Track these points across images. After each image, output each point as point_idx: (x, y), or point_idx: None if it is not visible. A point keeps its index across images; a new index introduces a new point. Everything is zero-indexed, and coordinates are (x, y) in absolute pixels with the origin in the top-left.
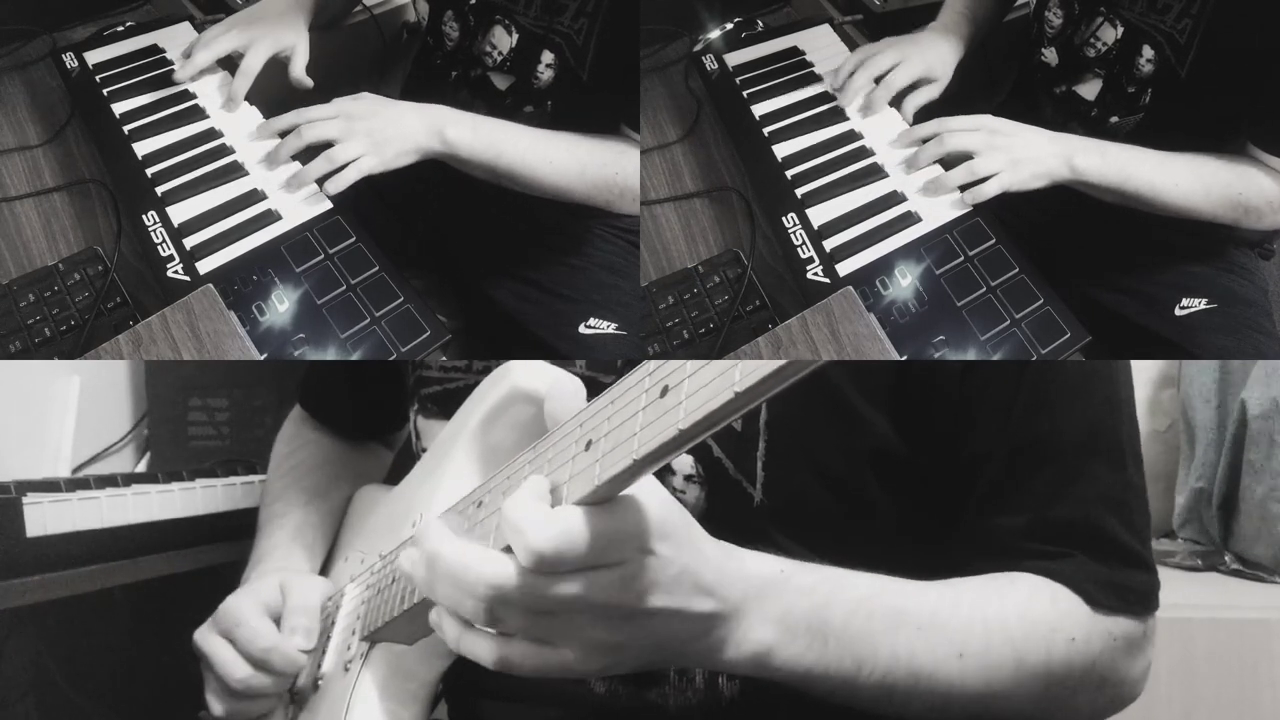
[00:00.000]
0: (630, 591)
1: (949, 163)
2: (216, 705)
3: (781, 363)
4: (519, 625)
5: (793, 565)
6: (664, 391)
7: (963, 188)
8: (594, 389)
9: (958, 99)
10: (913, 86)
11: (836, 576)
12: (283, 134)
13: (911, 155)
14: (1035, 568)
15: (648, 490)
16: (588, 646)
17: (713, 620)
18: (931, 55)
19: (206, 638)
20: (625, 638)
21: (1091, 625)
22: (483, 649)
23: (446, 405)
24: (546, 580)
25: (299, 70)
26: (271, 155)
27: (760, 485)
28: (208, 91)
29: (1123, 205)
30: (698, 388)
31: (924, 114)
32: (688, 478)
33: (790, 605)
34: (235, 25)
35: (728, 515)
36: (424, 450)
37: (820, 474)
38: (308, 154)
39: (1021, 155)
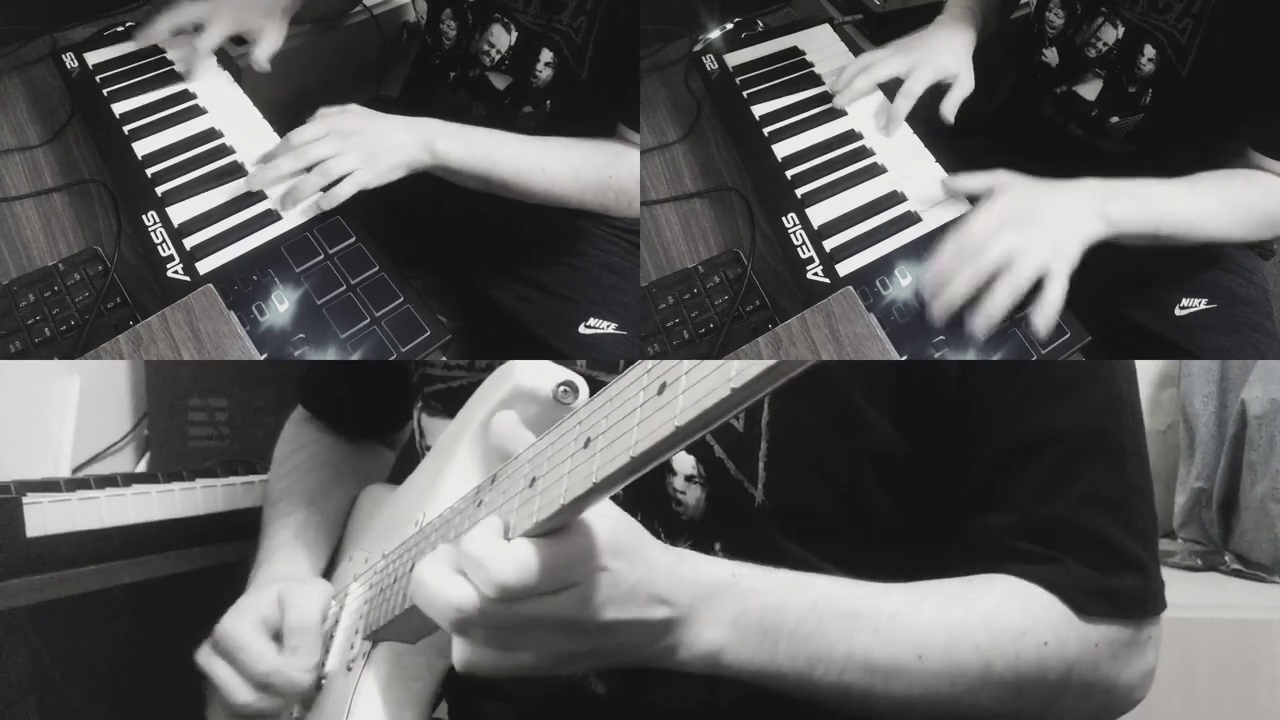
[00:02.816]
0: (587, 608)
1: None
2: None
3: (775, 361)
4: (483, 637)
5: (745, 569)
6: (661, 389)
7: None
8: (595, 389)
9: None
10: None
11: (791, 579)
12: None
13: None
14: (1020, 570)
15: (596, 511)
16: (546, 653)
17: (667, 625)
18: (942, 54)
19: (209, 660)
20: (582, 647)
21: (1069, 630)
22: (455, 652)
23: (450, 403)
24: (506, 606)
25: (261, 54)
26: (270, 174)
27: (762, 486)
28: (208, 91)
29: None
30: (694, 384)
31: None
32: (689, 478)
33: (742, 607)
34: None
35: (729, 516)
36: (428, 448)
37: (822, 475)
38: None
39: (1049, 236)
